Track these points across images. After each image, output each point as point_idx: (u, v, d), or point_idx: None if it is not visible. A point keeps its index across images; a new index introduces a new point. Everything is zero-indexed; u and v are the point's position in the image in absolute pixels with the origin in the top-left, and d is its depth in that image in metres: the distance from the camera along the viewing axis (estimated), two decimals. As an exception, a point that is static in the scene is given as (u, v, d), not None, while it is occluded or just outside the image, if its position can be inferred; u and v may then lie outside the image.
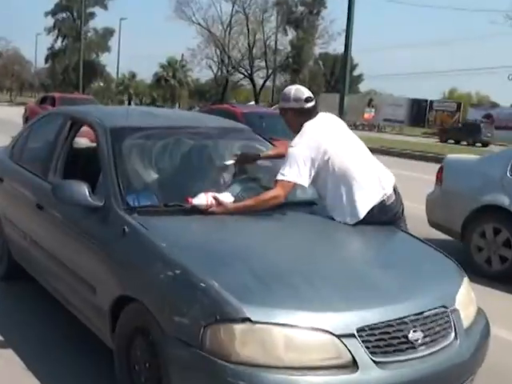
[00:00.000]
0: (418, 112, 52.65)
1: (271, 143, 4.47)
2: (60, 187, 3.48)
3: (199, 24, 40.69)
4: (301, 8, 38.74)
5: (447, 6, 71.82)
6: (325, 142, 3.60)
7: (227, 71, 42.41)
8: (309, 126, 3.68)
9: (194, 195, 3.48)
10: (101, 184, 3.56)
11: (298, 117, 3.72)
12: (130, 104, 55.91)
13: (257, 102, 37.92)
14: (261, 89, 41.84)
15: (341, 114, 20.49)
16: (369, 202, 3.62)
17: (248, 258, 2.93)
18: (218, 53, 42.05)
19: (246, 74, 41.36)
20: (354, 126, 34.03)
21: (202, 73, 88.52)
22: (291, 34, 39.80)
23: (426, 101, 53.28)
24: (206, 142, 4.15)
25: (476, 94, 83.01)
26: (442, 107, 52.43)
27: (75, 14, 55.16)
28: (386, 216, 3.70)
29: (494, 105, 52.78)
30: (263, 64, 40.53)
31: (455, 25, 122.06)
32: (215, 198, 3.44)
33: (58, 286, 3.93)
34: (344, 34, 19.94)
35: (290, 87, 3.81)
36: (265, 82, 41.47)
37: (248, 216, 3.45)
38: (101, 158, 3.67)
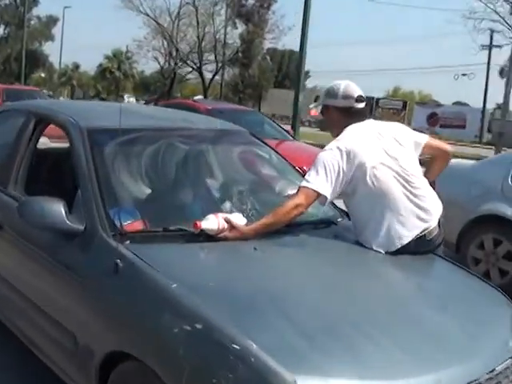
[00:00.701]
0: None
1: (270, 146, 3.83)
2: (29, 206, 2.74)
3: (147, 14, 39.34)
4: (251, 1, 38.02)
5: (396, 3, 72.10)
6: (363, 154, 2.97)
7: (175, 64, 41.17)
8: (350, 131, 3.06)
9: (195, 216, 2.82)
10: (79, 201, 2.83)
11: (343, 118, 3.11)
12: (72, 97, 54.00)
13: (206, 96, 36.99)
14: (210, 83, 40.86)
15: (295, 111, 20.22)
16: (407, 234, 3.00)
17: (283, 303, 2.28)
18: (166, 45, 40.77)
19: (194, 67, 40.24)
20: (300, 123, 34.00)
21: (149, 65, 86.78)
22: (241, 27, 39.03)
23: (372, 98, 53.56)
24: (202, 148, 3.46)
25: (419, 92, 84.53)
26: (389, 105, 52.83)
27: (18, 0, 52.77)
28: (422, 249, 3.08)
29: (439, 104, 53.60)
30: (212, 57, 39.56)
31: (404, 23, 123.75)
32: (227, 221, 2.77)
33: (24, 328, 3.16)
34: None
35: (338, 82, 3.19)
36: (214, 75, 40.47)
37: (267, 242, 2.79)
38: (78, 168, 2.94)
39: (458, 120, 44.86)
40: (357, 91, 3.13)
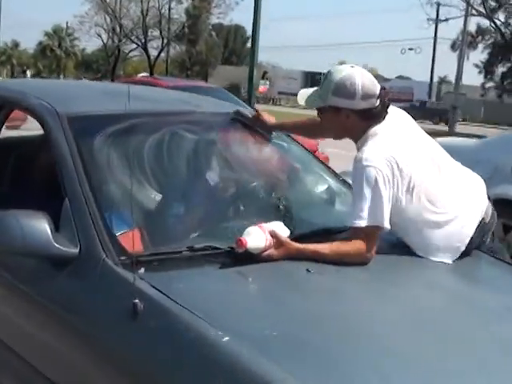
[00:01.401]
0: (313, 85, 51.53)
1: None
2: (1, 224, 2.00)
3: (88, -13, 37.53)
4: (197, -26, 36.78)
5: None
6: (406, 162, 2.33)
7: (119, 40, 39.52)
8: (382, 135, 2.34)
9: (216, 225, 2.16)
10: (67, 213, 2.10)
11: (363, 121, 2.34)
12: (12, 76, 51.46)
13: (152, 73, 35.64)
14: (155, 60, 39.41)
15: (250, 88, 19.63)
16: (468, 228, 2.46)
17: (380, 361, 1.64)
18: (109, 21, 39.03)
19: (139, 43, 38.73)
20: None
21: (92, 42, 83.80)
22: (187, 1, 37.67)
23: (320, 74, 53.31)
24: (214, 137, 2.77)
25: (363, 67, 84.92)
26: (336, 80, 52.65)
27: None
28: (485, 236, 2.58)
29: (385, 78, 53.77)
30: (158, 34, 38.10)
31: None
32: (274, 235, 2.12)
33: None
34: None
35: (352, 75, 2.29)
36: (160, 52, 39.00)
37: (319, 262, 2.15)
38: (61, 169, 2.21)
39: (405, 94, 45.10)
40: (376, 85, 2.33)
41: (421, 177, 2.37)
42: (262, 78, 49.90)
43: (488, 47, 27.24)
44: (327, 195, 2.85)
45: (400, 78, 56.03)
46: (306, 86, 52.24)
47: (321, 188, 2.87)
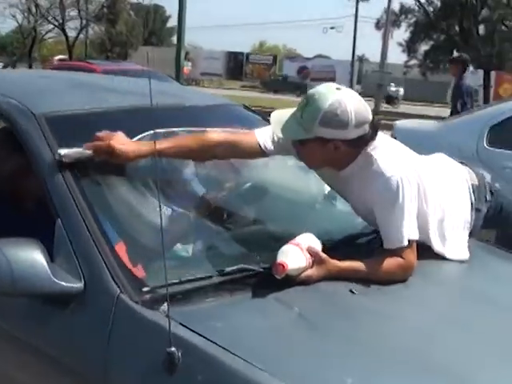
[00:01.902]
0: (235, 65, 52.25)
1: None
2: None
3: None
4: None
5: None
6: (415, 164, 2.15)
7: (35, 21, 37.62)
8: (386, 146, 2.11)
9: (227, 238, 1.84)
10: (62, 237, 1.71)
11: (354, 149, 2.00)
12: None
13: (71, 56, 34.19)
14: (74, 41, 37.77)
15: (178, 70, 19.10)
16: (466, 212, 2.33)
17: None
18: (24, 0, 37.01)
19: (56, 24, 36.98)
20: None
21: (6, 24, 79.56)
22: (104, -20, 36.32)
23: (242, 54, 53.01)
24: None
25: (283, 46, 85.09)
26: (259, 60, 52.44)
27: None
28: (487, 196, 2.45)
29: (307, 58, 54.04)
30: (76, 13, 36.47)
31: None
32: (312, 253, 1.82)
33: None
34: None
35: (342, 101, 1.90)
36: (78, 33, 37.48)
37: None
38: (48, 181, 1.82)
39: (327, 73, 45.43)
40: (368, 109, 1.99)
41: (429, 181, 2.17)
42: (184, 58, 48.99)
43: (411, 26, 27.68)
44: (331, 195, 2.57)
45: (319, 56, 56.45)
46: (228, 65, 51.96)
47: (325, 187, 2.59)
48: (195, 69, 49.81)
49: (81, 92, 2.35)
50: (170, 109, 2.35)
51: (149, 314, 1.53)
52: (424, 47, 28.25)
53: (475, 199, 2.38)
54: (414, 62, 29.20)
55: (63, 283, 1.60)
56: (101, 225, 1.73)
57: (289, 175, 2.61)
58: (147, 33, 54.69)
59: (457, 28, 25.37)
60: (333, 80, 43.19)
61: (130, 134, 2.01)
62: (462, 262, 2.20)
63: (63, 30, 37.04)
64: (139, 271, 1.68)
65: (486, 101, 23.94)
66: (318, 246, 1.88)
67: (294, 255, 1.77)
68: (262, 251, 1.92)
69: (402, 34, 30.04)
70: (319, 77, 44.40)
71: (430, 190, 2.14)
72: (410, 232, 1.98)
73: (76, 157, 1.84)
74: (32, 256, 1.60)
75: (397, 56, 33.78)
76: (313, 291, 1.78)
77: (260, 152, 2.10)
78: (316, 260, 1.82)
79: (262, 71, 49.99)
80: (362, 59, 57.63)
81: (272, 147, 2.09)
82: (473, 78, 29.01)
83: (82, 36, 38.31)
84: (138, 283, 1.62)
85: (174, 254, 1.86)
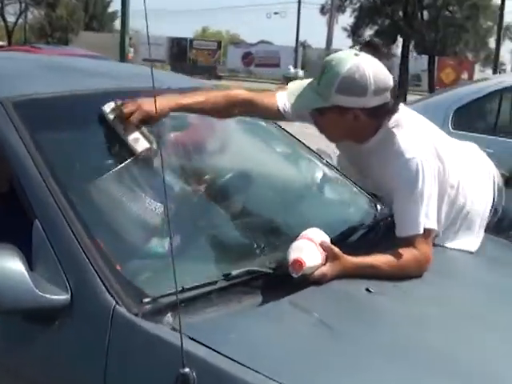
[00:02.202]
0: (179, 51, 51.56)
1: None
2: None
3: None
4: None
5: None
6: (439, 146, 2.00)
7: (-29, 6, 36.02)
8: (410, 123, 1.96)
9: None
10: (42, 241, 1.47)
11: (373, 120, 1.87)
12: None
13: (10, 42, 32.82)
14: (14, 26, 36.28)
15: (122, 56, 18.70)
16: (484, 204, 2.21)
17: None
18: (-45, -18, 35.29)
19: (-7, 8, 35.48)
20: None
21: None
22: (43, -38, 34.95)
23: (186, 39, 52.35)
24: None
25: (226, 32, 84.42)
26: (203, 46, 51.88)
27: None
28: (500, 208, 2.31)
29: (251, 44, 53.78)
30: (15, -3, 35.05)
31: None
32: (325, 248, 1.65)
33: None
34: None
35: (360, 66, 1.78)
36: (18, 18, 36.03)
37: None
38: (21, 178, 1.57)
39: (272, 59, 45.36)
40: (389, 75, 1.85)
41: (450, 165, 2.03)
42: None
43: (356, 11, 27.80)
44: (324, 184, 2.40)
45: (263, 42, 56.27)
46: (171, 51, 51.26)
47: (317, 175, 2.41)
48: (137, 54, 48.95)
49: (52, 74, 2.08)
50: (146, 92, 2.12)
51: (153, 328, 1.32)
52: (369, 32, 28.44)
53: (497, 199, 2.25)
54: (359, 47, 29.30)
55: (47, 296, 1.37)
56: (86, 225, 1.49)
57: (275, 163, 2.42)
58: (88, 17, 53.21)
59: (401, 13, 25.57)
60: (277, 66, 43.25)
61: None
62: (475, 255, 2.07)
63: (2, 15, 35.57)
64: (135, 277, 1.46)
65: (431, 85, 24.33)
66: (328, 240, 1.70)
67: (310, 251, 1.59)
68: (262, 248, 1.74)
69: (346, 19, 30.15)
70: (264, 63, 44.34)
71: (451, 175, 2.01)
72: (426, 220, 1.83)
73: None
74: (9, 265, 1.36)
75: (342, 41, 33.96)
76: (328, 292, 1.61)
77: (278, 114, 2.02)
78: (330, 256, 1.65)
79: (207, 57, 49.47)
80: (304, 45, 57.80)
81: (290, 112, 1.97)
82: (416, 63, 29.50)
83: (21, 21, 36.89)
84: (137, 292, 1.40)
85: (157, 253, 1.63)
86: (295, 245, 1.61)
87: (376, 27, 27.84)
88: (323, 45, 25.49)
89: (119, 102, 1.78)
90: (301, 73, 31.15)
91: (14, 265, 1.36)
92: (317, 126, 1.97)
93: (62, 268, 1.42)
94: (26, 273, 1.36)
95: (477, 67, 32.12)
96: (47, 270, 1.43)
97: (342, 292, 1.63)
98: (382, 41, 28.10)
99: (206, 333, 1.33)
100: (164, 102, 1.80)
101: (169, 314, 1.37)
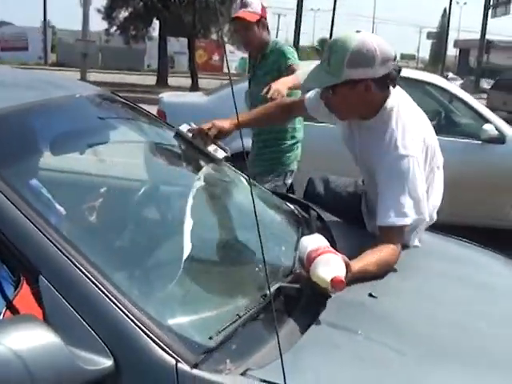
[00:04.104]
0: None
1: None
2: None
3: None
4: None
5: None
6: (428, 140, 2.13)
7: None
8: (407, 113, 2.08)
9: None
10: (55, 300, 1.22)
11: (381, 91, 2.02)
12: None
13: None
14: None
15: None
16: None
17: None
18: None
19: None
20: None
21: None
22: None
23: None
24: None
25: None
26: None
27: None
28: None
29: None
30: None
31: None
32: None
33: None
34: None
35: (365, 40, 1.95)
36: None
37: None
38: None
39: (19, 42, 42.31)
40: (389, 47, 2.00)
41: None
42: None
43: (109, -9, 26.90)
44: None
45: (3, 24, 52.08)
46: None
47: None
48: None
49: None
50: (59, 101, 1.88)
51: (234, 382, 1.17)
52: (124, 14, 27.79)
53: None
54: (114, 29, 28.55)
55: (91, 367, 1.13)
56: (103, 271, 1.26)
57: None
58: None
59: (157, -5, 25.38)
60: (25, 49, 40.41)
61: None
62: (422, 248, 2.20)
63: None
64: (181, 327, 1.27)
65: (193, 68, 24.78)
66: (328, 244, 1.67)
67: (336, 263, 1.55)
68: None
69: (101, 0, 29.07)
70: (11, 46, 41.02)
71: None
72: (417, 212, 1.95)
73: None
74: (43, 338, 1.10)
75: (98, 24, 32.75)
76: (343, 304, 1.58)
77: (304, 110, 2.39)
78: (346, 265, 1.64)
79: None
80: (49, 26, 54.87)
81: (314, 106, 2.31)
82: (169, 45, 29.68)
83: None
84: (193, 342, 1.23)
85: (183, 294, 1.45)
86: (322, 258, 1.54)
87: (130, 9, 27.26)
88: (75, 27, 24.30)
89: (193, 124, 2.23)
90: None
91: (46, 335, 1.10)
92: (329, 106, 2.12)
93: (91, 328, 1.19)
94: (61, 343, 1.11)
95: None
96: (72, 333, 1.18)
97: (354, 302, 1.63)
98: (138, 24, 27.89)
99: (276, 373, 1.22)
100: (232, 119, 2.25)
101: (227, 360, 1.23)
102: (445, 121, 5.72)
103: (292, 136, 3.58)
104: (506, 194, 5.41)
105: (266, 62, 3.55)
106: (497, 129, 5.35)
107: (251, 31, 3.49)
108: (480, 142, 5.32)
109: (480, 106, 5.68)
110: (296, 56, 3.56)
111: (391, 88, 2.04)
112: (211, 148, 2.19)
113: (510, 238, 5.28)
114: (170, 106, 5.83)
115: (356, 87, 1.97)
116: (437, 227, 2.40)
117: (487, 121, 5.42)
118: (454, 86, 6.22)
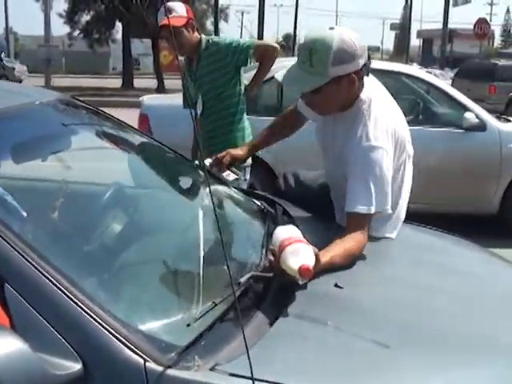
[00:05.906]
0: None
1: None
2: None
3: None
4: None
5: None
6: (399, 132, 2.15)
7: None
8: (379, 104, 2.11)
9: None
10: (20, 306, 1.22)
11: (360, 81, 2.07)
12: None
13: None
14: None
15: None
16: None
17: None
18: None
19: None
20: None
21: None
22: None
23: None
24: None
25: None
26: None
27: None
28: None
29: None
30: None
31: None
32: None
33: None
34: None
35: (342, 37, 1.98)
36: None
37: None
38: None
39: (-21, 48, 41.58)
40: (359, 38, 2.05)
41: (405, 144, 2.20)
42: None
43: (70, -4, 26.64)
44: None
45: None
46: None
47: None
48: None
49: None
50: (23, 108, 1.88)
51: (204, 378, 1.19)
52: (86, 18, 27.55)
53: None
54: (77, 33, 28.26)
55: (61, 372, 1.14)
56: (68, 276, 1.27)
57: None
58: None
59: (118, -2, 25.16)
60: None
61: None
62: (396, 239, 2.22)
63: None
64: (147, 326, 1.29)
65: (157, 69, 24.61)
66: (301, 235, 1.69)
67: (306, 253, 1.57)
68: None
69: (61, 4, 28.76)
70: None
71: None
72: (381, 202, 1.98)
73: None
74: (9, 344, 1.10)
75: (59, 28, 32.45)
76: (312, 295, 1.61)
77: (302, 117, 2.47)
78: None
79: None
80: (11, 32, 54.13)
81: (305, 108, 2.30)
82: (133, 46, 29.45)
83: None
84: (161, 341, 1.25)
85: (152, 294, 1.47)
86: (292, 248, 1.56)
87: (93, 13, 27.03)
88: (37, 32, 24.01)
89: (214, 156, 2.47)
90: (20, 67, 28.99)
91: (16, 344, 1.11)
92: (311, 105, 2.18)
93: (58, 332, 1.20)
94: (31, 350, 1.12)
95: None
96: (39, 340, 1.19)
97: (320, 293, 1.65)
98: (101, 27, 27.63)
99: (243, 366, 1.24)
100: (245, 146, 2.64)
101: (196, 357, 1.25)
102: (426, 111, 5.76)
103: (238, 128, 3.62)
104: (489, 180, 5.51)
105: (207, 61, 3.54)
106: (477, 117, 5.48)
107: (181, 35, 3.45)
108: (462, 130, 5.42)
109: (459, 94, 5.76)
110: (237, 38, 3.62)
111: (365, 77, 2.09)
112: (225, 174, 2.44)
113: (492, 225, 5.42)
114: (152, 108, 5.78)
115: (341, 83, 2.00)
116: (419, 216, 2.42)
117: (467, 109, 5.52)
118: (432, 76, 6.31)
